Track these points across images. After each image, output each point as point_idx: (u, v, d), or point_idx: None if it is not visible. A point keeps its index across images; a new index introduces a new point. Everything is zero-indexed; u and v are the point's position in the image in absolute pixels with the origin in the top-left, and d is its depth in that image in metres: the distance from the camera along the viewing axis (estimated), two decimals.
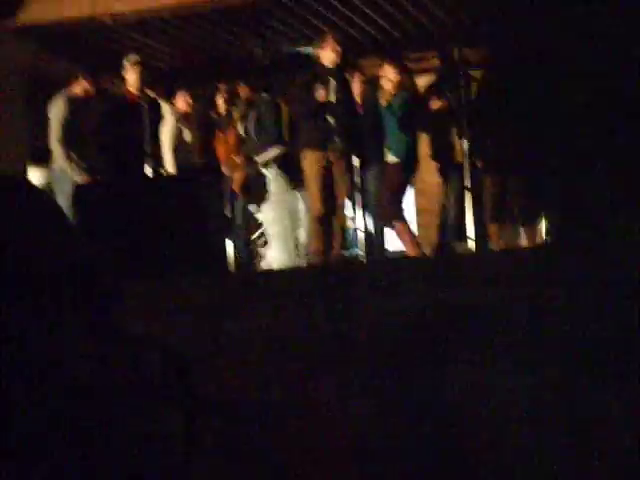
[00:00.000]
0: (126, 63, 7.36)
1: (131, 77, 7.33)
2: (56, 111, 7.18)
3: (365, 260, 7.07)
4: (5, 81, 8.02)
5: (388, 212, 7.43)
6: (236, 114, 8.18)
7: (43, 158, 8.71)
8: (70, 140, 7.15)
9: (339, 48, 6.98)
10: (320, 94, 6.88)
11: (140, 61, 7.40)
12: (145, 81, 7.33)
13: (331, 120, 6.90)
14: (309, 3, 8.66)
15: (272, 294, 4.32)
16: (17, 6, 7.98)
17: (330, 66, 6.96)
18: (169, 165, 7.80)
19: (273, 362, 3.95)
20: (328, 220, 6.99)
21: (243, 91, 8.14)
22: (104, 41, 9.17)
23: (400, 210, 7.42)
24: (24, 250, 1.32)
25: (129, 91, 7.37)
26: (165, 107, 7.84)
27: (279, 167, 7.65)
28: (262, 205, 7.71)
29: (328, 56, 6.96)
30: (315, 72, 6.96)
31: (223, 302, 4.35)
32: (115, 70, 7.56)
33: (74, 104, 7.20)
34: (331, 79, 6.96)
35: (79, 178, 7.06)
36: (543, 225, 6.52)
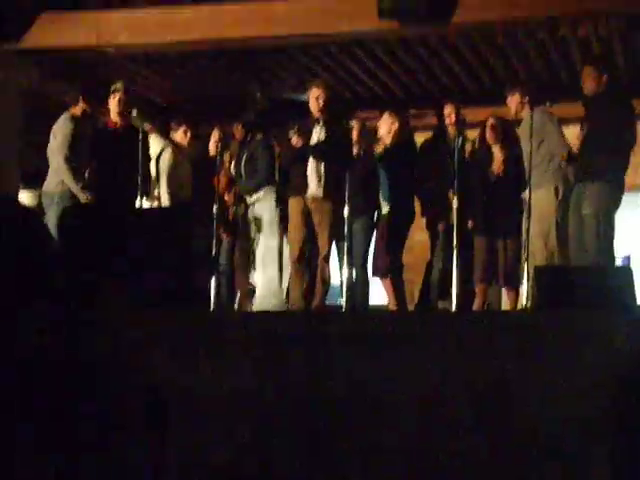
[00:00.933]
0: (110, 91, 7.43)
1: (111, 105, 7.40)
2: (63, 128, 7.20)
3: (346, 311, 7.04)
4: (4, 103, 8.03)
5: (379, 264, 7.43)
6: (228, 154, 8.21)
7: (34, 181, 8.69)
8: (75, 158, 7.17)
9: (322, 97, 7.04)
10: (295, 141, 6.95)
11: (123, 89, 7.44)
12: (127, 109, 7.36)
13: (313, 167, 6.95)
14: (309, 50, 8.74)
15: (249, 337, 4.28)
16: (24, 30, 8.01)
17: (315, 114, 7.04)
18: (164, 196, 7.80)
19: (242, 407, 3.91)
20: (307, 267, 6.97)
21: (237, 131, 8.18)
22: (105, 71, 9.21)
23: (391, 264, 7.40)
24: (7, 266, 1.32)
25: (110, 119, 7.43)
26: (156, 139, 7.86)
27: (270, 209, 7.65)
28: (251, 246, 7.70)
29: (312, 104, 7.07)
30: (304, 119, 7.05)
31: (200, 340, 4.32)
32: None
33: (77, 124, 7.24)
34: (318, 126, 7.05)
35: (83, 197, 7.05)
36: (525, 289, 6.53)
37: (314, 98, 7.08)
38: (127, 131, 7.39)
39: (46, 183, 7.28)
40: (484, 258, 7.36)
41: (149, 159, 7.64)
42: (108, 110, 7.54)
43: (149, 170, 7.62)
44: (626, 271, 5.46)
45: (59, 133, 7.20)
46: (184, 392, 3.86)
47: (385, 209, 7.50)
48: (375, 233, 7.60)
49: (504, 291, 7.65)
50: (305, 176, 6.99)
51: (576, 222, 6.71)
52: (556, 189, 6.92)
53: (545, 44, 8.60)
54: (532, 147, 6.78)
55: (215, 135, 8.17)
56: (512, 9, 7.31)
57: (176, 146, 7.98)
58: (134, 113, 7.53)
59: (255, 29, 7.75)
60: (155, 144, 7.93)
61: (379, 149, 7.78)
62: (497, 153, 7.49)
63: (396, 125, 7.58)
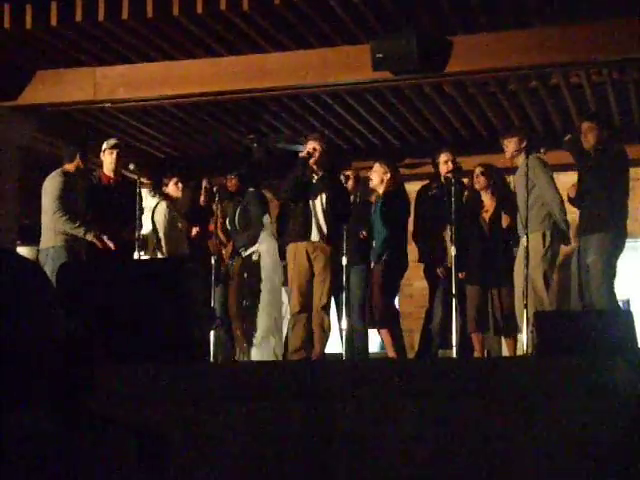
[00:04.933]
0: (104, 146, 7.46)
1: (107, 160, 7.42)
2: (52, 186, 7.21)
3: (346, 361, 7.00)
4: (1, 159, 8.07)
5: (375, 316, 7.40)
6: (223, 206, 8.22)
7: (31, 237, 8.67)
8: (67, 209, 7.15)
9: (317, 148, 7.08)
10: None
11: (119, 145, 7.48)
12: (122, 165, 7.42)
13: (313, 217, 6.97)
14: (304, 101, 8.81)
15: (248, 388, 4.26)
16: (21, 87, 8.08)
17: (312, 165, 7.07)
18: (162, 250, 7.80)
19: (243, 457, 3.87)
20: (307, 317, 6.94)
21: (231, 184, 8.20)
22: (102, 125, 9.27)
23: (386, 314, 7.37)
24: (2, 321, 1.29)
25: (104, 174, 7.45)
26: (149, 195, 7.89)
27: (267, 260, 7.64)
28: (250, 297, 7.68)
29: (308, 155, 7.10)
30: (302, 170, 7.07)
31: (199, 393, 4.29)
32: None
33: (68, 179, 7.24)
34: (316, 176, 7.08)
35: (89, 236, 7.03)
36: (524, 336, 6.51)
37: (312, 150, 7.11)
38: (121, 186, 7.42)
39: (41, 240, 7.26)
40: (477, 308, 7.33)
41: (143, 212, 7.66)
42: (101, 164, 7.56)
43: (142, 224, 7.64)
44: (627, 315, 5.45)
45: (49, 188, 7.22)
46: (181, 444, 3.82)
47: (378, 258, 7.49)
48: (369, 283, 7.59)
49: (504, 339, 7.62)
50: (305, 223, 7.00)
51: (577, 271, 6.74)
52: (544, 235, 6.94)
53: (538, 92, 8.67)
54: (528, 193, 6.81)
55: (205, 185, 8.21)
56: (504, 58, 7.38)
57: (170, 199, 8.00)
58: (131, 167, 7.55)
59: (250, 81, 7.81)
60: (150, 198, 7.96)
61: (372, 199, 7.80)
62: (487, 200, 7.51)
63: (388, 175, 7.61)
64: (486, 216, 7.46)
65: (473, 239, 7.41)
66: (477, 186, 7.50)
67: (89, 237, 7.06)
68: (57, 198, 7.13)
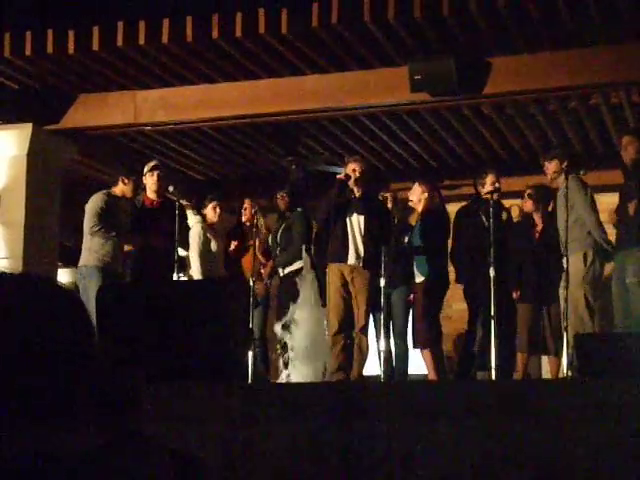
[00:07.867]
0: (145, 169, 7.54)
1: (148, 183, 7.49)
2: (93, 204, 7.31)
3: (384, 382, 6.97)
4: (43, 181, 8.18)
5: (418, 336, 7.37)
6: (264, 226, 8.24)
7: (73, 259, 8.76)
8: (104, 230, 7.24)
9: (357, 169, 7.11)
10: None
11: (158, 166, 7.56)
12: (164, 187, 7.50)
13: (351, 239, 6.98)
14: (343, 123, 8.83)
15: (286, 409, 4.26)
16: (63, 111, 8.20)
17: (351, 186, 7.10)
18: (195, 271, 7.84)
19: (281, 478, 3.87)
20: (345, 338, 6.93)
21: (282, 201, 8.18)
22: (143, 148, 9.37)
23: (429, 334, 7.34)
24: (43, 348, 1.32)
25: (147, 197, 7.52)
26: (192, 214, 7.96)
27: (308, 280, 7.65)
28: (289, 318, 7.69)
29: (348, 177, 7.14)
30: (339, 192, 7.10)
31: (237, 413, 4.30)
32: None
33: (110, 200, 7.32)
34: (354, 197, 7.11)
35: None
36: (565, 358, 6.44)
37: (351, 172, 7.14)
38: (164, 207, 7.50)
39: (80, 259, 7.38)
40: (529, 327, 7.28)
41: (186, 234, 7.72)
42: (144, 187, 7.64)
43: (186, 244, 7.70)
44: None
45: (89, 207, 7.33)
46: (218, 464, 3.83)
47: (419, 279, 7.47)
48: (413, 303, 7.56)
49: (544, 360, 7.54)
50: (343, 244, 7.02)
51: (620, 290, 6.66)
52: (585, 255, 6.87)
53: (577, 112, 8.62)
54: (568, 214, 6.77)
55: (248, 207, 8.24)
56: (543, 79, 7.35)
57: (206, 222, 8.05)
58: (171, 189, 7.62)
59: (288, 103, 7.86)
60: (190, 219, 8.02)
61: (413, 220, 7.78)
62: (537, 220, 7.48)
63: (426, 194, 7.60)
64: (537, 235, 7.42)
65: (525, 258, 7.36)
66: (526, 209, 7.45)
67: (127, 243, 7.17)
68: (95, 215, 7.24)
